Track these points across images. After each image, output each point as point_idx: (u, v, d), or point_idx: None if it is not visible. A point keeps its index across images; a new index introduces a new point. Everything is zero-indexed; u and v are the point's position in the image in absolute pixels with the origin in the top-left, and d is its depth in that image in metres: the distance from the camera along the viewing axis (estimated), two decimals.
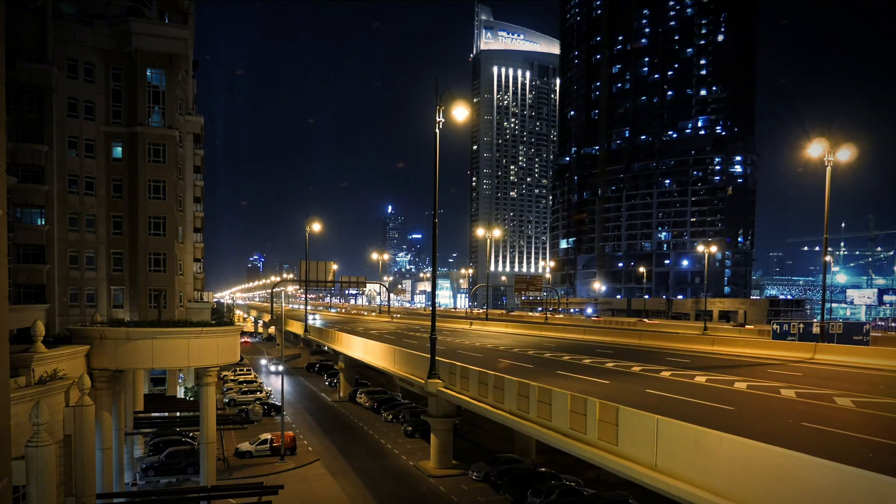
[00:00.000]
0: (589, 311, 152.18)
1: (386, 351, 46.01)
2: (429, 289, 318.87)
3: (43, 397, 21.34)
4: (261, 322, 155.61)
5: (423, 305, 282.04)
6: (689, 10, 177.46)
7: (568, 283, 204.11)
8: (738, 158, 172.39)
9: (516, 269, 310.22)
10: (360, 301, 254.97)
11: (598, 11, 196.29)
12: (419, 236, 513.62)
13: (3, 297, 13.71)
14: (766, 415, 22.02)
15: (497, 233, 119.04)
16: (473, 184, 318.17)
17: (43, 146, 40.11)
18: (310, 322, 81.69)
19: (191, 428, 41.09)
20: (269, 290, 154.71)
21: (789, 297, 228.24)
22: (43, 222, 40.55)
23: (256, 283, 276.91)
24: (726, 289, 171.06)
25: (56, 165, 40.81)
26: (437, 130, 33.26)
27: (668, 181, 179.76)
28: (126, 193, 43.87)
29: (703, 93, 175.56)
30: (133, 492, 31.59)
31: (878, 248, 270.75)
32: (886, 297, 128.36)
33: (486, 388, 28.89)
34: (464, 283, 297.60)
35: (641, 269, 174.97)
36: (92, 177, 42.87)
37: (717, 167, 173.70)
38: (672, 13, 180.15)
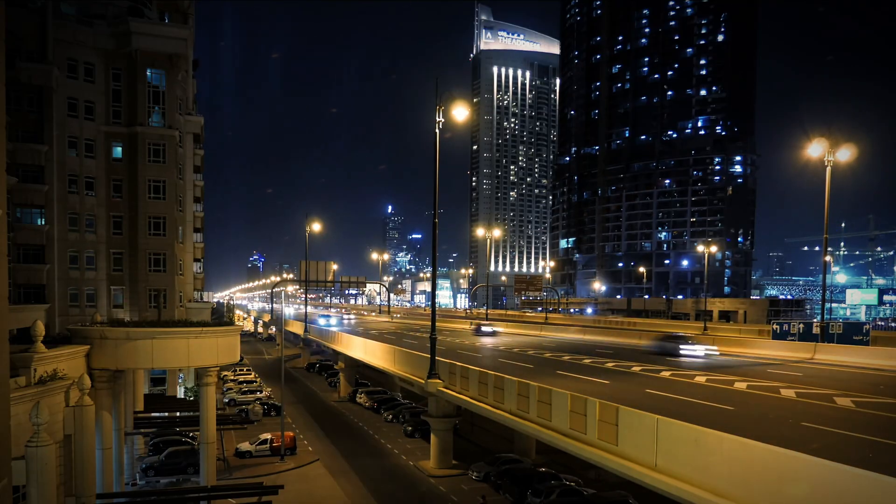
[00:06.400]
0: (589, 311, 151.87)
1: (386, 351, 46.02)
2: (429, 289, 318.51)
3: (43, 397, 21.33)
4: (261, 322, 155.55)
5: (423, 305, 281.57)
6: (688, 10, 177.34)
7: (568, 283, 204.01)
8: (738, 158, 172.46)
9: (516, 269, 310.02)
10: (360, 301, 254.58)
11: (598, 11, 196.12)
12: (419, 236, 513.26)
13: (3, 297, 13.71)
14: (766, 415, 22.04)
15: (497, 233, 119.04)
16: (473, 184, 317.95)
17: (43, 146, 40.06)
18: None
19: (191, 428, 41.06)
20: (269, 290, 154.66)
21: (789, 297, 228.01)
22: (43, 222, 40.50)
23: (256, 282, 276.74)
24: (726, 289, 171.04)
25: (56, 165, 40.75)
26: (437, 130, 33.26)
27: (668, 181, 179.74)
28: (126, 193, 43.85)
29: (703, 93, 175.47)
30: (133, 492, 31.59)
31: (878, 248, 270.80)
32: (886, 297, 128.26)
33: (486, 388, 28.88)
34: (464, 283, 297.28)
35: (641, 269, 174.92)
36: (92, 177, 42.86)
37: (717, 167, 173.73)
38: (672, 13, 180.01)
